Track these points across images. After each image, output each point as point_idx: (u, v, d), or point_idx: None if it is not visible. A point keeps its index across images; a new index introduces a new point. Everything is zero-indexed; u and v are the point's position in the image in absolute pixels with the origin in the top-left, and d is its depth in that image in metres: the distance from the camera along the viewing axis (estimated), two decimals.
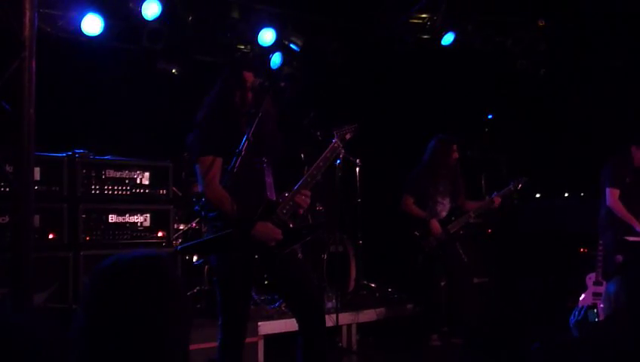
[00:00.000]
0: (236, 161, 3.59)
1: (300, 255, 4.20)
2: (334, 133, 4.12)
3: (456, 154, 6.52)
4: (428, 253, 6.42)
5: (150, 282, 1.58)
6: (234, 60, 6.16)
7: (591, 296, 6.28)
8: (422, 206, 6.48)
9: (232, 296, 3.85)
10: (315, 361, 3.93)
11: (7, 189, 4.51)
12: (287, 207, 3.89)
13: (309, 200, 3.95)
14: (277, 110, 4.10)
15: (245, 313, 3.96)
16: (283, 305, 6.11)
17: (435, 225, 6.37)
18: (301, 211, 3.98)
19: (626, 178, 6.52)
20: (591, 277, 6.37)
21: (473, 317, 6.42)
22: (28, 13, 3.41)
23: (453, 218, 6.49)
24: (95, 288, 1.57)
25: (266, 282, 3.88)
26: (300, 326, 3.94)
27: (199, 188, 3.89)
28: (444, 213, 6.50)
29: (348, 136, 4.13)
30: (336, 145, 4.07)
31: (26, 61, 3.42)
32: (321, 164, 4.01)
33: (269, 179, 4.00)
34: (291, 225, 3.91)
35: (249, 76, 3.92)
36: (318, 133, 6.37)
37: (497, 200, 6.55)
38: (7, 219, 4.51)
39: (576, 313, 5.96)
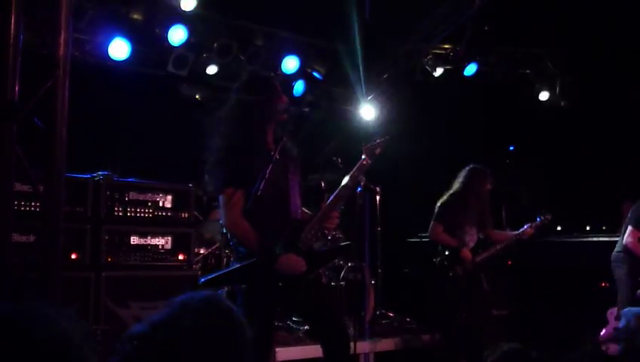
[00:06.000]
0: (260, 183, 3.59)
1: (324, 279, 4.16)
2: (363, 149, 3.96)
3: (489, 186, 6.42)
4: (455, 282, 6.28)
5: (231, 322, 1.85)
6: None
7: (612, 331, 6.19)
8: (450, 234, 6.36)
9: (255, 324, 3.81)
10: None
11: (33, 209, 4.55)
12: (314, 229, 3.86)
13: (337, 221, 3.92)
14: (299, 136, 4.12)
15: (269, 340, 3.93)
16: (301, 332, 6.08)
17: (467, 254, 6.25)
18: (328, 232, 3.95)
19: None
20: (612, 312, 6.29)
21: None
22: (63, 33, 3.45)
23: (480, 249, 6.39)
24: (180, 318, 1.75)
25: (290, 307, 3.86)
26: (324, 351, 3.91)
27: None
28: (471, 243, 6.38)
29: (377, 151, 3.96)
30: (364, 162, 3.93)
31: (59, 80, 3.46)
32: (349, 183, 3.91)
33: (295, 200, 3.96)
34: (315, 249, 3.90)
35: None
36: (339, 160, 6.37)
37: (530, 231, 6.37)
38: (31, 238, 4.53)
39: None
